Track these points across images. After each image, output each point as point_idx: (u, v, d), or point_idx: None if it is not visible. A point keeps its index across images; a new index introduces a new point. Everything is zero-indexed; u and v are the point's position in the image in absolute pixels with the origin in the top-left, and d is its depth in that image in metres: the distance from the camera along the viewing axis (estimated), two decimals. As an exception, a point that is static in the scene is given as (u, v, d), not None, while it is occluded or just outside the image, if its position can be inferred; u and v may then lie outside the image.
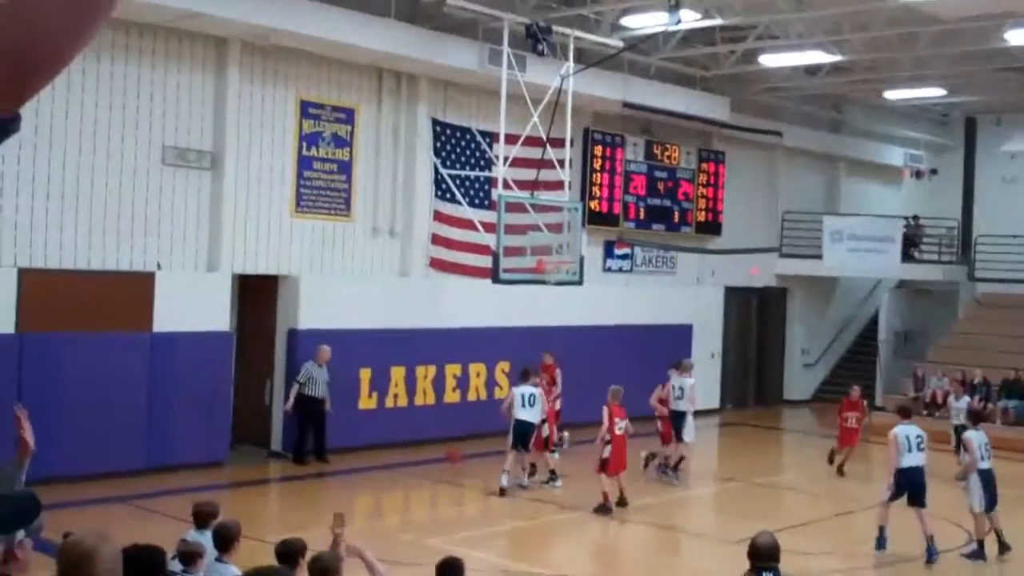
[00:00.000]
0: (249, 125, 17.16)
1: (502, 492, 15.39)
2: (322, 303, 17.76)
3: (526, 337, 19.93)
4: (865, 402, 19.43)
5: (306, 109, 17.88)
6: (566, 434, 18.11)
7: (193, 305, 16.22)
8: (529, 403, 15.64)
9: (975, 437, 13.33)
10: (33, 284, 14.75)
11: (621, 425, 15.10)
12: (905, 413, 13.79)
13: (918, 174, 30.55)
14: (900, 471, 13.04)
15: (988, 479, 13.11)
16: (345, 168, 18.48)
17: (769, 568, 6.86)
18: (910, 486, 13.01)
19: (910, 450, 13.03)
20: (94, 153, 15.50)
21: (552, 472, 16.28)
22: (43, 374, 14.59)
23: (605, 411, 15.10)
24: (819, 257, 25.49)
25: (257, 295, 17.80)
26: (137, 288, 15.75)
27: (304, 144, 17.88)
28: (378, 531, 13.56)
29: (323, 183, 18.19)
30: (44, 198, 15.11)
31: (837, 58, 21.61)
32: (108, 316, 15.32)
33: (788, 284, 27.71)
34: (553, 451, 17.07)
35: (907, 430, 13.20)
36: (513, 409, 15.66)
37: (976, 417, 14.21)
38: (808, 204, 27.83)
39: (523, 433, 15.63)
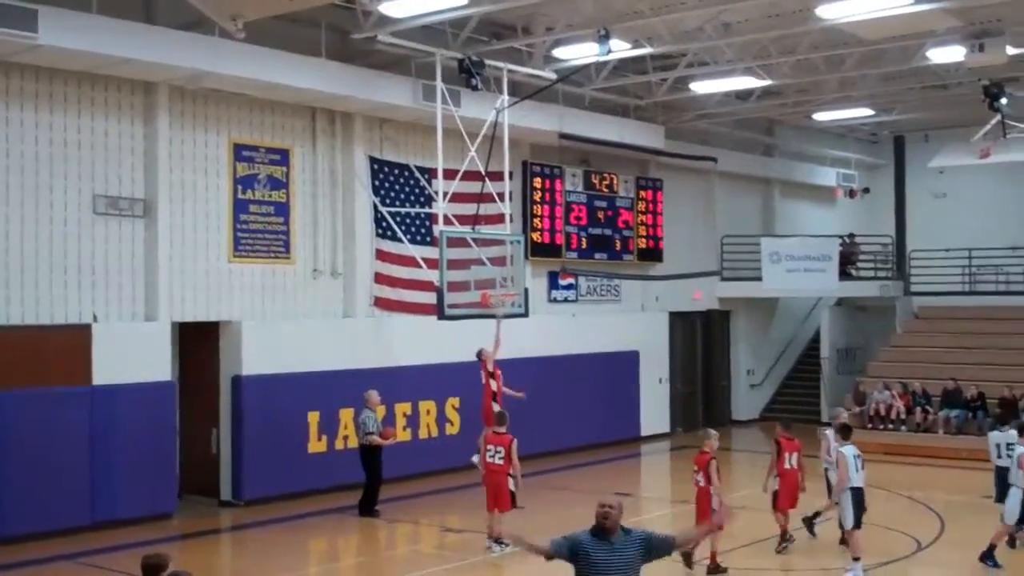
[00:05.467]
0: (181, 170, 16.97)
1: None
2: (266, 348, 17.53)
3: (475, 372, 19.74)
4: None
5: (240, 152, 17.72)
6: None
7: (133, 356, 15.92)
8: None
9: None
10: (-34, 341, 14.40)
11: (792, 460, 14.30)
12: (846, 432, 13.51)
13: (851, 193, 31.10)
14: (851, 491, 12.93)
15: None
16: (282, 210, 18.32)
17: None
18: (858, 506, 12.95)
19: (856, 470, 12.98)
20: (22, 205, 15.22)
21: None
22: (-20, 433, 14.20)
23: (774, 445, 14.42)
24: (759, 279, 25.72)
25: (199, 342, 17.53)
26: (74, 341, 15.42)
27: (239, 187, 17.70)
28: (334, 574, 13.34)
29: (261, 226, 18.01)
30: (-26, 253, 14.80)
31: (766, 82, 21.93)
32: (45, 370, 14.96)
33: (730, 306, 27.94)
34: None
35: (853, 450, 13.11)
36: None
37: (845, 431, 13.54)
38: (746, 227, 28.14)
39: None
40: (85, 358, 15.47)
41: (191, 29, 15.61)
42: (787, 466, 14.28)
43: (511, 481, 14.36)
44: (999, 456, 14.84)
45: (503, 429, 14.54)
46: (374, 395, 16.83)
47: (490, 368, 16.57)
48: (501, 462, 14.26)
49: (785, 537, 14.13)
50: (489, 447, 14.51)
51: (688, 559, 13.17)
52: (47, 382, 14.97)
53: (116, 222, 16.23)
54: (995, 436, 15.12)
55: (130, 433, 15.76)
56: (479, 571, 13.99)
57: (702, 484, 13.39)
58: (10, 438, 14.55)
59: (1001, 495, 14.12)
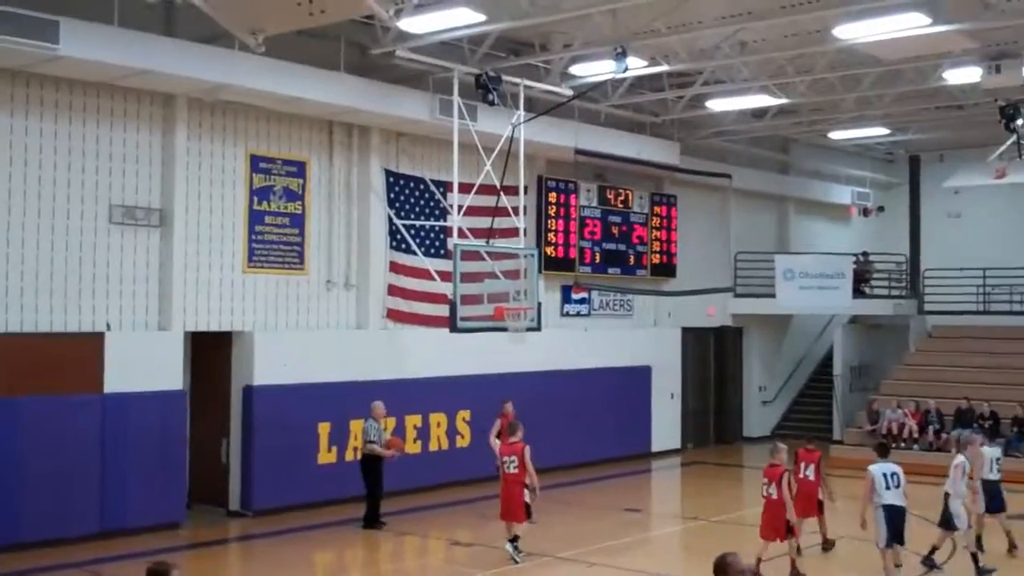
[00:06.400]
0: (198, 181, 17.06)
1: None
2: (278, 358, 17.58)
3: (486, 385, 19.86)
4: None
5: (256, 163, 17.80)
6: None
7: (145, 364, 15.99)
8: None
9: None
10: (-19, 348, 14.49)
11: (807, 470, 14.88)
12: (882, 451, 13.71)
13: (865, 211, 31.10)
14: (883, 508, 13.01)
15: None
16: (297, 221, 18.39)
17: None
18: (890, 523, 13.00)
19: (887, 488, 13.04)
20: (39, 215, 15.31)
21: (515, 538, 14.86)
22: (-7, 440, 14.28)
23: (793, 457, 14.72)
24: (772, 296, 25.70)
25: (211, 352, 17.59)
26: (87, 349, 15.50)
27: (255, 198, 17.78)
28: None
29: (275, 237, 18.09)
30: (-9, 260, 14.90)
31: (782, 101, 21.95)
32: (58, 378, 15.04)
33: (743, 323, 27.91)
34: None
35: (884, 468, 13.20)
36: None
37: (882, 450, 13.80)
38: (760, 244, 28.12)
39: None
40: (97, 366, 15.54)
41: (211, 42, 15.70)
42: (802, 475, 14.76)
43: (527, 493, 14.44)
44: (990, 471, 15.08)
45: (516, 438, 14.68)
46: (380, 406, 16.86)
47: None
48: (516, 471, 14.43)
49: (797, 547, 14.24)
50: (504, 458, 14.67)
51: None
52: (59, 390, 15.04)
53: (132, 232, 16.32)
54: (987, 451, 15.28)
55: (140, 442, 15.82)
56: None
57: (774, 496, 13.56)
58: (22, 445, 14.63)
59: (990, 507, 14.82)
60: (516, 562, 14.26)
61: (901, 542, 13.11)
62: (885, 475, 13.10)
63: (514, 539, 14.47)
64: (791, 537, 13.61)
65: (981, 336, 26.05)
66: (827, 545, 15.17)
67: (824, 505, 15.21)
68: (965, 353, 25.61)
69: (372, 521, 16.63)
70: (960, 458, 14.06)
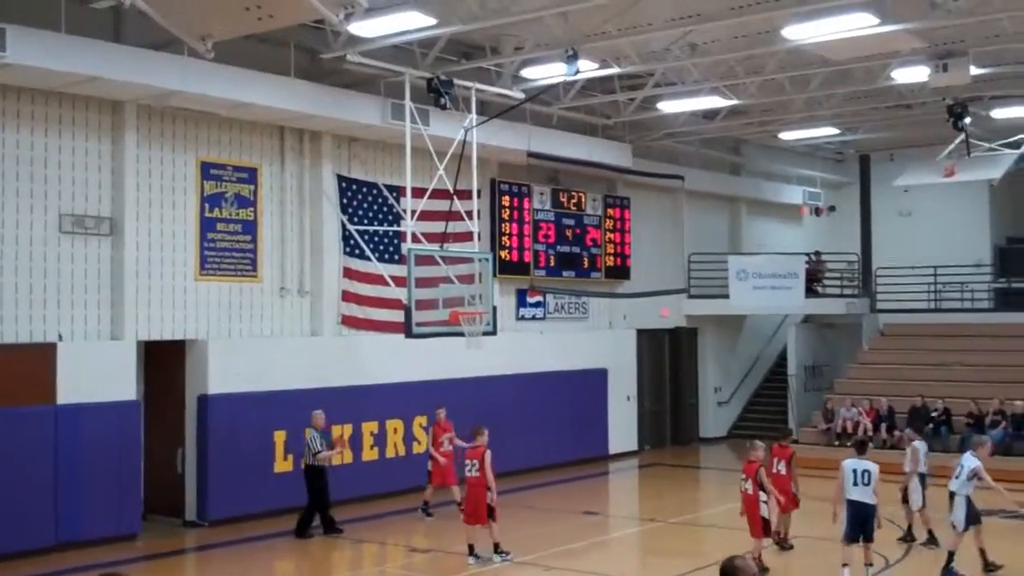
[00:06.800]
0: (148, 188, 16.90)
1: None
2: (232, 367, 17.45)
3: (443, 390, 19.80)
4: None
5: (207, 170, 17.67)
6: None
7: (98, 375, 15.81)
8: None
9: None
10: (-72, 361, 14.27)
11: (779, 465, 15.07)
12: (860, 448, 13.98)
13: (817, 211, 31.38)
14: (848, 503, 13.24)
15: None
16: (250, 228, 18.27)
17: None
18: (853, 519, 13.17)
19: (855, 483, 13.21)
20: (-12, 223, 15.12)
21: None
22: (-58, 454, 14.06)
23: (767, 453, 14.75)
24: (726, 296, 25.88)
25: (164, 361, 17.42)
26: (39, 360, 15.31)
27: (206, 205, 17.64)
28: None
29: (228, 244, 17.95)
30: (-63, 272, 14.68)
31: (733, 102, 22.13)
32: (9, 390, 14.84)
33: (698, 324, 28.07)
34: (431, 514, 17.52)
35: (856, 464, 13.39)
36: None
37: (860, 447, 14.03)
38: (712, 245, 28.32)
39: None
40: (50, 377, 15.35)
41: (160, 48, 15.57)
42: (775, 470, 14.89)
43: (489, 495, 14.55)
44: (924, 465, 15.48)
45: (478, 442, 14.79)
46: (320, 415, 16.80)
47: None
48: (477, 474, 14.54)
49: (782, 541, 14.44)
50: (467, 462, 14.79)
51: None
52: (11, 401, 14.84)
53: (82, 240, 16.14)
54: (920, 446, 15.59)
55: (95, 453, 15.64)
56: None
57: (750, 492, 13.74)
58: (-27, 459, 14.41)
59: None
60: (498, 561, 14.48)
61: (869, 539, 13.18)
62: (855, 471, 13.27)
63: (495, 546, 14.64)
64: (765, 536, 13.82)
65: (933, 334, 26.32)
66: (784, 544, 15.20)
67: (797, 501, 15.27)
68: (917, 351, 25.87)
69: (305, 529, 16.51)
70: (976, 462, 13.65)
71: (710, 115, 24.26)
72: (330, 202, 19.24)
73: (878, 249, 29.40)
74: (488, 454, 14.55)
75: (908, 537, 15.45)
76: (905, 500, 15.37)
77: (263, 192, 18.47)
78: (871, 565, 13.28)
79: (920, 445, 15.60)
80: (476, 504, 14.54)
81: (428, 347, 18.71)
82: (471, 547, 14.72)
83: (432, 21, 16.03)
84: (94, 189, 16.30)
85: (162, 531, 16.92)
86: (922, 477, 15.31)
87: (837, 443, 22.98)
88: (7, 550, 14.59)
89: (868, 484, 13.16)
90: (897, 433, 22.87)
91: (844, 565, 13.09)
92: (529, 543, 15.66)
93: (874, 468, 13.29)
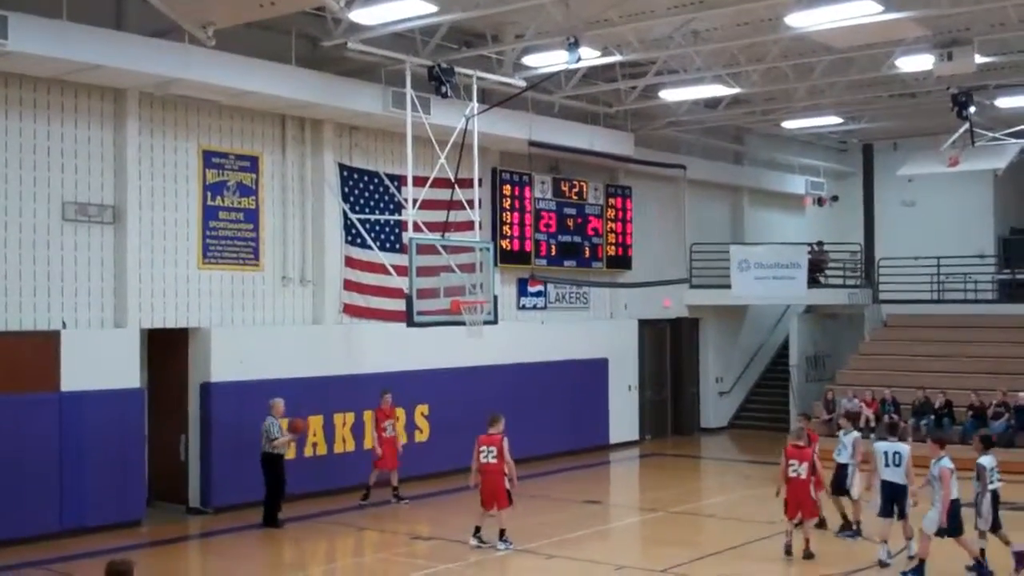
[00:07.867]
0: (151, 177, 16.92)
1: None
2: (235, 355, 17.49)
3: (444, 379, 19.86)
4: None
5: (209, 159, 17.68)
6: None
7: (101, 362, 15.86)
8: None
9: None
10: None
11: (796, 468, 14.22)
12: (891, 430, 14.55)
13: (820, 201, 31.35)
14: (882, 483, 13.78)
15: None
16: (252, 217, 18.29)
17: None
18: (886, 499, 13.71)
19: (887, 465, 13.72)
20: (-9, 211, 15.14)
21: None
22: (-55, 441, 14.11)
23: (783, 453, 14.60)
24: (728, 286, 25.88)
25: (167, 349, 17.46)
26: (43, 347, 15.35)
27: (208, 194, 17.66)
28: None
29: (230, 233, 17.97)
30: (-60, 259, 14.71)
31: (735, 90, 22.10)
32: (13, 377, 14.89)
33: (700, 314, 28.06)
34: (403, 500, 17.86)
35: (887, 446, 13.86)
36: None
37: (891, 428, 14.74)
38: (714, 235, 28.29)
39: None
40: (54, 365, 15.40)
41: (161, 36, 15.58)
42: (791, 474, 14.28)
43: (507, 480, 14.83)
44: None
45: (495, 429, 14.96)
46: (280, 403, 16.75)
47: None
48: (495, 460, 14.77)
49: (787, 548, 14.31)
50: (483, 448, 14.92)
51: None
52: (15, 389, 14.90)
53: (85, 228, 16.16)
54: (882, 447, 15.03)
55: (99, 440, 15.70)
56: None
57: (803, 476, 14.15)
58: (-24, 445, 14.46)
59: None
60: (503, 549, 14.66)
61: (903, 516, 13.71)
62: (887, 453, 13.79)
63: (501, 532, 14.82)
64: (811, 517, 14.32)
65: (936, 325, 26.32)
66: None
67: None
68: (920, 342, 25.86)
69: (273, 519, 16.49)
70: (988, 459, 13.44)
71: (712, 104, 24.24)
72: (331, 191, 19.25)
73: (881, 239, 29.35)
74: (506, 441, 14.85)
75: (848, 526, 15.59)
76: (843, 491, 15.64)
77: (265, 180, 18.48)
78: (911, 539, 13.78)
79: (859, 436, 16.02)
80: (493, 489, 14.79)
81: (429, 336, 18.73)
82: (478, 528, 14.94)
83: (433, 8, 16.03)
84: (96, 177, 16.32)
85: (166, 517, 16.98)
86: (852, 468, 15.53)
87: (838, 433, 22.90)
88: (12, 536, 14.66)
89: (899, 465, 13.63)
90: (902, 424, 22.86)
91: (883, 541, 13.60)
92: (530, 532, 15.69)
93: (905, 450, 13.78)
